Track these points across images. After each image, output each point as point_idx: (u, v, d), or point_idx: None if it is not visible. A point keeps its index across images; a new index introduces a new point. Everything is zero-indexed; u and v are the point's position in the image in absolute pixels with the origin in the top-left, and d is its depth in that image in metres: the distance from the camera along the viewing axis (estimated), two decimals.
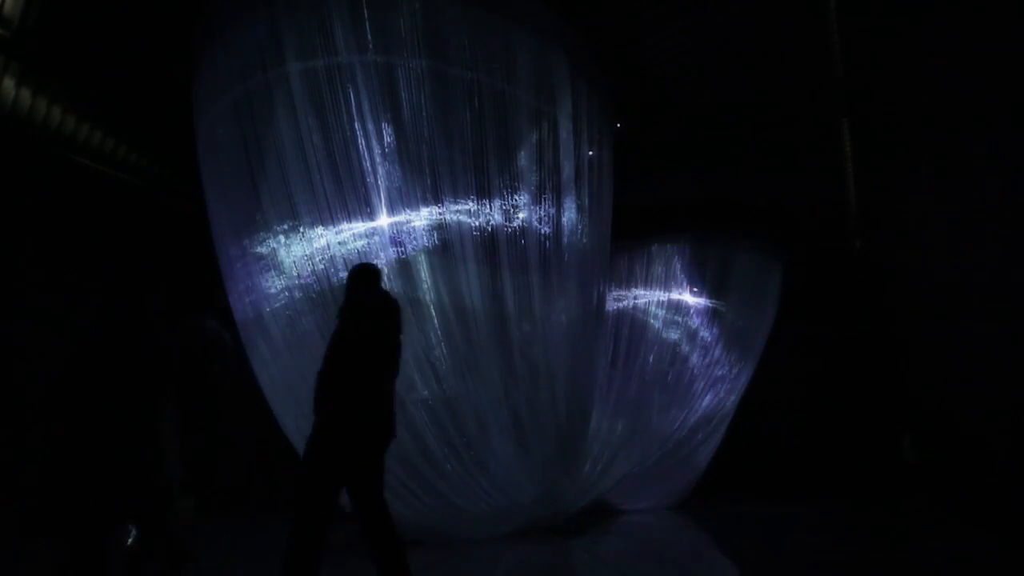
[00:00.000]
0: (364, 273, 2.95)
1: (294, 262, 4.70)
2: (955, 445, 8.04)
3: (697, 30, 6.67)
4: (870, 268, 10.84)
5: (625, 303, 8.75)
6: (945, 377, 7.87)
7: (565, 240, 5.34)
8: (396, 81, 4.58)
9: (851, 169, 9.12)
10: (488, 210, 4.86)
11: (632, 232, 8.45)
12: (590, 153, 5.83)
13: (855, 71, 7.21)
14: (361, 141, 4.46)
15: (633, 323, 8.63)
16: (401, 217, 4.64)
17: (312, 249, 4.61)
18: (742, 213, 9.57)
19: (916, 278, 8.47)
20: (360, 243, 4.63)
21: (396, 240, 4.62)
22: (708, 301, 8.78)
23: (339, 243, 4.60)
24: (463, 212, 4.80)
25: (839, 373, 10.65)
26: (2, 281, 7.91)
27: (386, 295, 2.93)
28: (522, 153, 5.11)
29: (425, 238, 4.69)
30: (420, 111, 4.61)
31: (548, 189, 5.27)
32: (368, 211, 4.57)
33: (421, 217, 4.67)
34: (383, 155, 4.53)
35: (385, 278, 3.09)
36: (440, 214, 4.73)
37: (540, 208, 5.22)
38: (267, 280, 4.85)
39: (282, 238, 4.70)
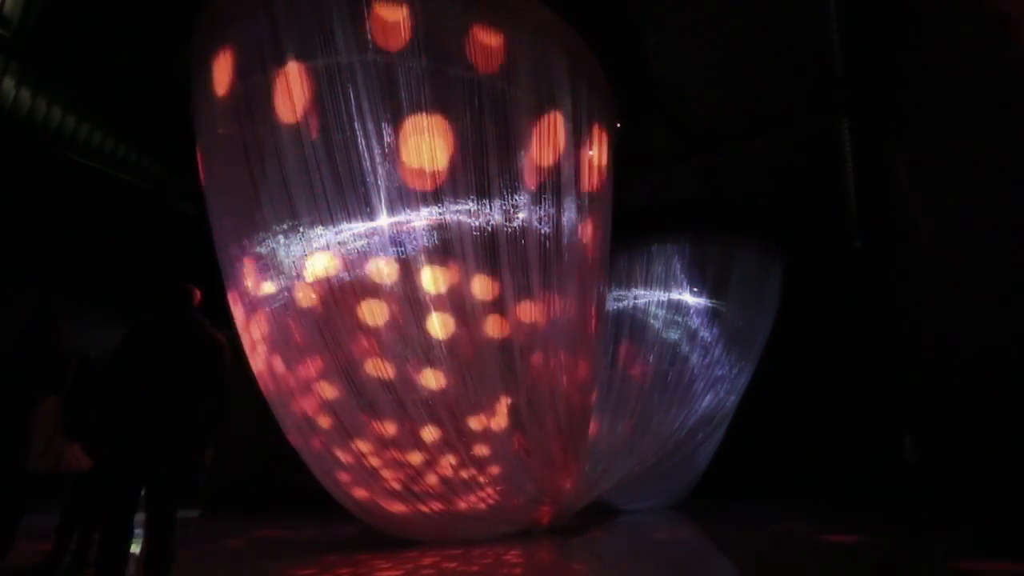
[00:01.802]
0: (173, 296, 3.08)
1: (294, 262, 4.70)
2: (955, 445, 8.03)
3: (697, 30, 6.66)
4: (870, 268, 10.83)
5: (625, 303, 8.75)
6: (945, 377, 7.87)
7: (565, 240, 5.34)
8: (396, 81, 4.58)
9: (851, 169, 9.11)
10: (488, 210, 4.85)
11: (632, 232, 8.45)
12: (590, 153, 5.82)
13: (855, 71, 7.21)
14: (361, 141, 4.46)
15: (633, 323, 8.63)
16: (401, 217, 4.64)
17: (312, 249, 4.60)
18: (742, 213, 9.58)
19: (916, 278, 8.47)
20: (360, 243, 4.63)
21: (396, 240, 4.62)
22: (708, 301, 8.78)
23: (339, 243, 4.60)
24: (463, 212, 4.79)
25: (839, 373, 10.65)
26: (2, 279, 7.92)
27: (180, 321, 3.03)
28: (522, 153, 5.10)
29: (425, 238, 4.69)
30: (420, 111, 4.61)
31: (548, 189, 5.26)
32: (368, 211, 4.57)
33: (421, 217, 4.67)
34: (383, 155, 4.53)
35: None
36: (440, 214, 4.72)
37: (540, 208, 5.21)
38: (267, 280, 4.85)
39: (282, 238, 4.69)
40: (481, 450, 4.92)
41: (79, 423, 3.38)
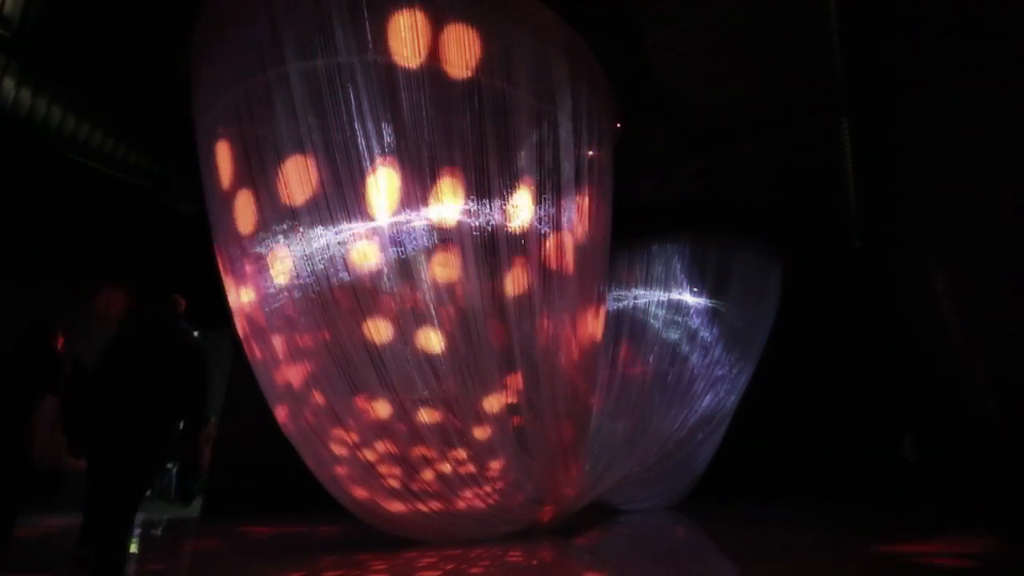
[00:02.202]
0: (157, 303, 3.31)
1: (294, 262, 4.70)
2: (955, 445, 8.03)
3: (697, 30, 6.66)
4: (870, 268, 10.83)
5: (625, 303, 8.75)
6: (945, 377, 7.87)
7: (565, 240, 5.34)
8: (396, 81, 4.58)
9: (851, 169, 9.12)
10: (488, 210, 4.86)
11: (632, 232, 8.46)
12: (590, 153, 5.82)
13: (855, 71, 7.21)
14: (361, 141, 4.46)
15: (633, 323, 8.63)
16: (401, 217, 4.64)
17: (312, 249, 4.60)
18: (742, 213, 9.57)
19: (916, 278, 8.47)
20: (360, 243, 4.63)
21: (396, 240, 4.62)
22: (708, 301, 8.78)
23: (339, 243, 4.60)
24: (463, 212, 4.80)
25: (839, 373, 10.65)
26: (2, 278, 7.92)
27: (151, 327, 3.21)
28: (522, 153, 5.10)
29: (425, 238, 4.69)
30: (420, 111, 4.61)
31: (548, 189, 5.27)
32: (368, 211, 4.57)
33: (421, 217, 4.67)
34: (383, 155, 4.53)
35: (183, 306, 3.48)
36: (440, 214, 4.73)
37: (540, 208, 5.22)
38: (266, 280, 4.85)
39: (282, 238, 4.69)
40: (481, 433, 4.89)
41: (77, 425, 3.46)
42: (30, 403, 3.52)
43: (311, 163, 4.50)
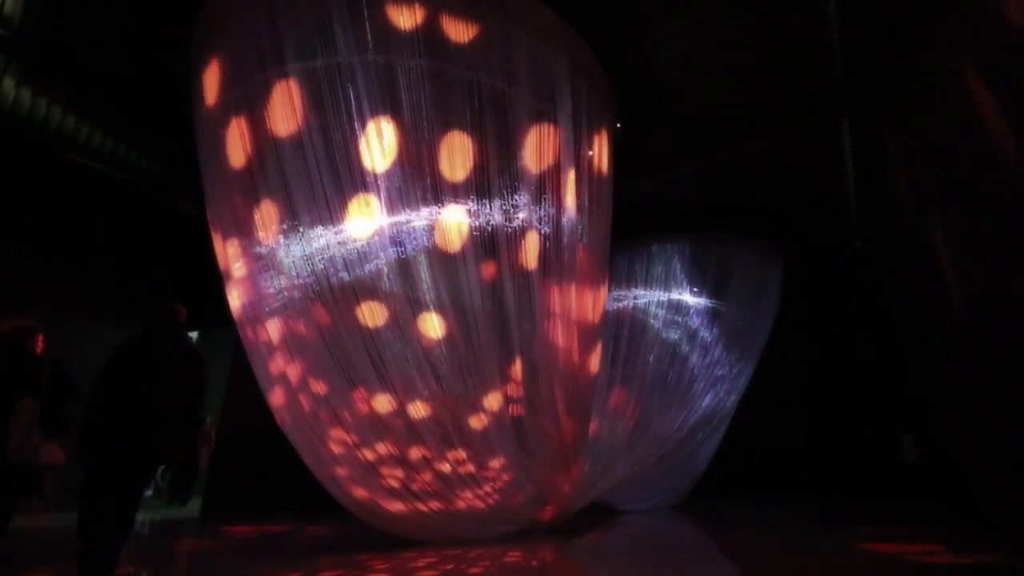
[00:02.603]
0: (159, 315, 3.45)
1: (294, 262, 4.70)
2: (955, 445, 8.02)
3: (697, 30, 6.66)
4: (870, 268, 10.83)
5: (625, 303, 8.75)
6: (945, 377, 7.87)
7: (565, 240, 5.34)
8: (396, 81, 4.58)
9: (851, 169, 9.11)
10: (488, 210, 4.86)
11: (632, 232, 8.46)
12: (590, 153, 5.82)
13: (855, 71, 7.21)
14: (361, 141, 4.46)
15: (633, 323, 8.63)
16: (401, 217, 4.64)
17: (312, 249, 4.60)
18: (742, 213, 9.57)
19: (916, 278, 8.47)
20: (360, 243, 4.63)
21: (396, 240, 4.62)
22: (708, 301, 8.78)
23: (339, 243, 4.60)
24: (463, 212, 4.79)
25: (839, 373, 10.65)
26: (2, 278, 7.92)
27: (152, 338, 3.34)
28: (522, 153, 5.11)
29: (425, 238, 4.69)
30: (420, 111, 4.61)
31: (548, 189, 5.26)
32: (368, 211, 4.57)
33: (421, 217, 4.67)
34: (383, 155, 4.53)
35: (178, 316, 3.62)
36: (440, 214, 4.73)
37: (540, 208, 5.21)
38: (266, 280, 4.85)
39: (282, 238, 4.69)
40: (480, 432, 4.88)
41: (56, 423, 3.75)
42: (8, 404, 3.63)
43: (311, 163, 4.49)
